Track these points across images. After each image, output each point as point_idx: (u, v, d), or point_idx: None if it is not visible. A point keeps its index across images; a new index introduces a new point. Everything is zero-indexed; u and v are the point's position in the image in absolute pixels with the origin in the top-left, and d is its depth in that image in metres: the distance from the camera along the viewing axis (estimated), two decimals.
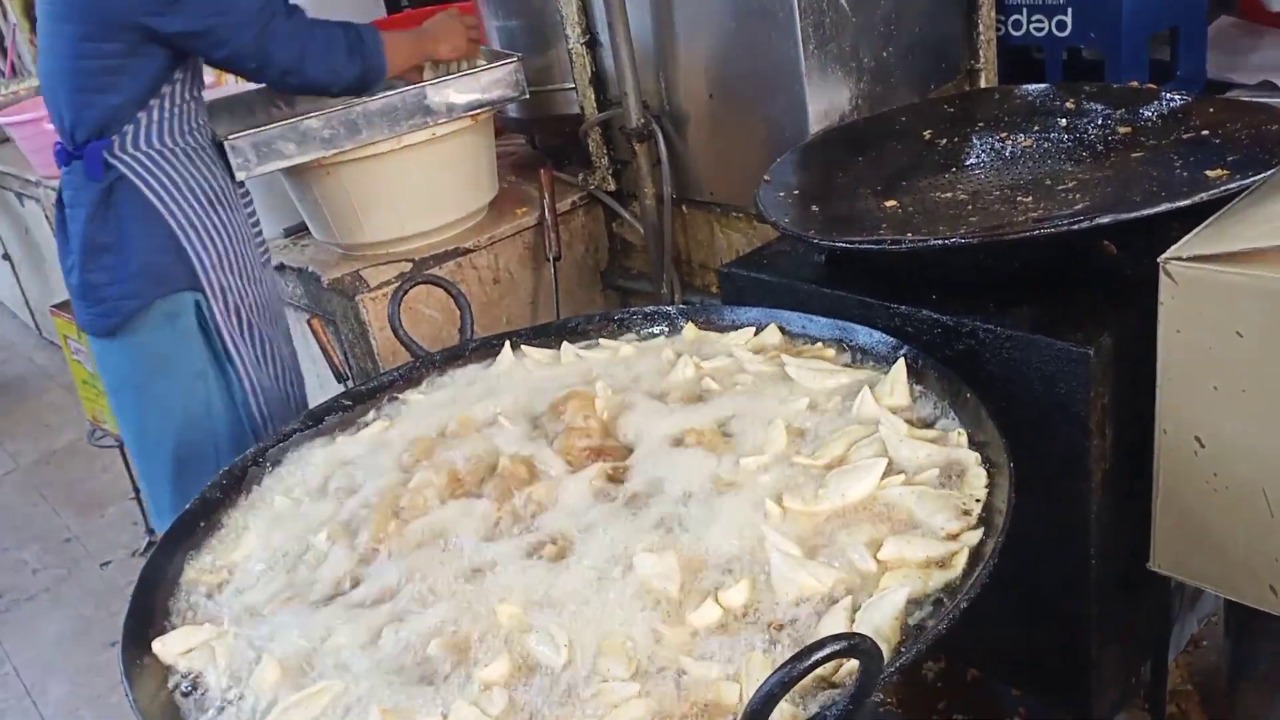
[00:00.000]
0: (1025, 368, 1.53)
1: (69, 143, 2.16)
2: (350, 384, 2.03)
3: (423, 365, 1.85)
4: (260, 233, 2.46)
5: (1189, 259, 1.33)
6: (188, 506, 1.54)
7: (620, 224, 2.81)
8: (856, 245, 1.64)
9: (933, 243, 1.54)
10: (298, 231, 2.80)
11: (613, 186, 2.74)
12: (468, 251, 2.59)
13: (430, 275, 2.09)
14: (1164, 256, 1.35)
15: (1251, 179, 1.49)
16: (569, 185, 2.81)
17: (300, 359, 2.83)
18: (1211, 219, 1.42)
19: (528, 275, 2.74)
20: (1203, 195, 1.46)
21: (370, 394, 1.81)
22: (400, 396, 1.79)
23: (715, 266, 2.51)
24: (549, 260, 2.69)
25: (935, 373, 1.48)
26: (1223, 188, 1.48)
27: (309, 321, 2.38)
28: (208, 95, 2.73)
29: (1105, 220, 1.44)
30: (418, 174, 2.49)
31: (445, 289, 1.92)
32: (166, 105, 2.15)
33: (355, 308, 2.45)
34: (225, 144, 2.26)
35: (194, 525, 1.51)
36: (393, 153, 2.41)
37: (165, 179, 2.17)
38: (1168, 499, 1.49)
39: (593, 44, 2.55)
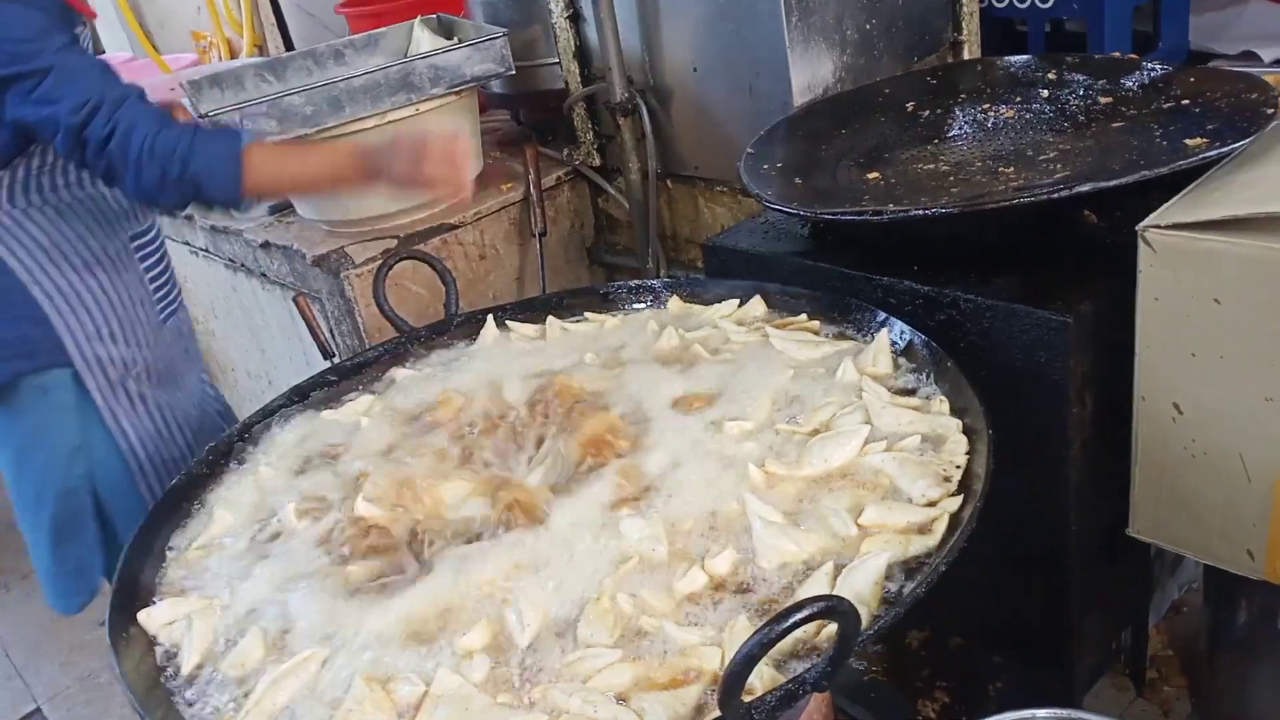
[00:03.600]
0: (1006, 337, 1.54)
1: None
2: (337, 361, 2.03)
3: (408, 340, 1.86)
4: (165, 283, 2.24)
5: (1167, 227, 1.34)
6: (175, 480, 1.55)
7: (606, 200, 2.81)
8: (838, 217, 1.65)
9: (913, 213, 1.54)
10: (282, 210, 2.79)
11: (598, 162, 2.73)
12: (453, 228, 2.59)
13: (414, 250, 2.10)
14: (1142, 224, 1.36)
15: (1230, 147, 1.50)
16: (554, 161, 2.80)
17: (286, 336, 2.83)
18: (1190, 187, 1.43)
19: (514, 251, 2.73)
20: (1181, 163, 1.47)
21: (355, 369, 1.82)
22: (387, 373, 1.80)
23: (701, 241, 2.51)
24: (535, 236, 2.68)
25: (917, 343, 1.49)
26: (1201, 156, 1.48)
27: (295, 299, 2.37)
28: (196, 72, 2.72)
29: (1084, 189, 1.45)
30: None
31: (430, 264, 1.93)
32: (36, 162, 1.91)
33: (340, 285, 2.45)
34: (207, 120, 2.25)
35: (180, 500, 1.52)
36: (376, 129, 2.40)
37: (29, 242, 1.94)
38: (1146, 465, 1.51)
39: (576, 18, 2.54)
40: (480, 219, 2.63)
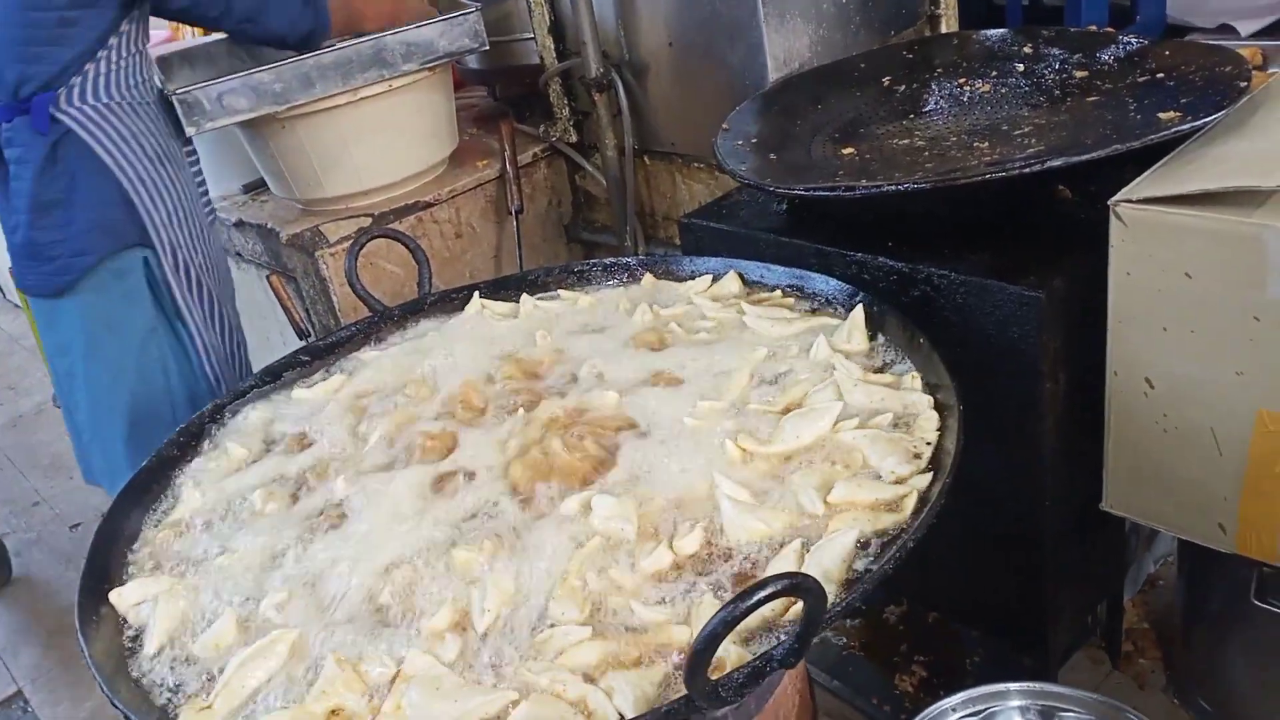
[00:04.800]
0: (979, 313, 1.54)
1: (10, 97, 2.07)
2: (311, 341, 2.01)
3: (381, 320, 1.84)
4: (206, 192, 2.42)
5: (1138, 201, 1.34)
6: (145, 463, 1.53)
7: (583, 176, 2.79)
8: (812, 192, 1.64)
9: (886, 188, 1.53)
10: (256, 188, 2.77)
11: (574, 138, 2.72)
12: (428, 205, 2.57)
13: (386, 229, 2.08)
14: (1114, 199, 1.35)
15: (1203, 120, 1.49)
16: (531, 137, 2.78)
17: (262, 316, 2.81)
18: (1162, 161, 1.42)
19: (490, 229, 2.72)
20: (1153, 137, 1.46)
21: (328, 349, 1.80)
22: (357, 354, 1.78)
23: (678, 218, 2.50)
24: (511, 214, 2.67)
25: (890, 319, 1.49)
26: (1174, 129, 1.48)
27: (269, 278, 2.36)
28: (167, 49, 2.69)
29: (1055, 163, 1.45)
30: (375, 127, 2.45)
31: (402, 242, 1.91)
32: (113, 58, 2.10)
33: (315, 263, 2.43)
34: (175, 98, 2.22)
35: (151, 481, 1.51)
36: (349, 106, 2.37)
37: (113, 133, 2.12)
38: (1119, 440, 1.51)
39: None
40: (456, 196, 2.62)
